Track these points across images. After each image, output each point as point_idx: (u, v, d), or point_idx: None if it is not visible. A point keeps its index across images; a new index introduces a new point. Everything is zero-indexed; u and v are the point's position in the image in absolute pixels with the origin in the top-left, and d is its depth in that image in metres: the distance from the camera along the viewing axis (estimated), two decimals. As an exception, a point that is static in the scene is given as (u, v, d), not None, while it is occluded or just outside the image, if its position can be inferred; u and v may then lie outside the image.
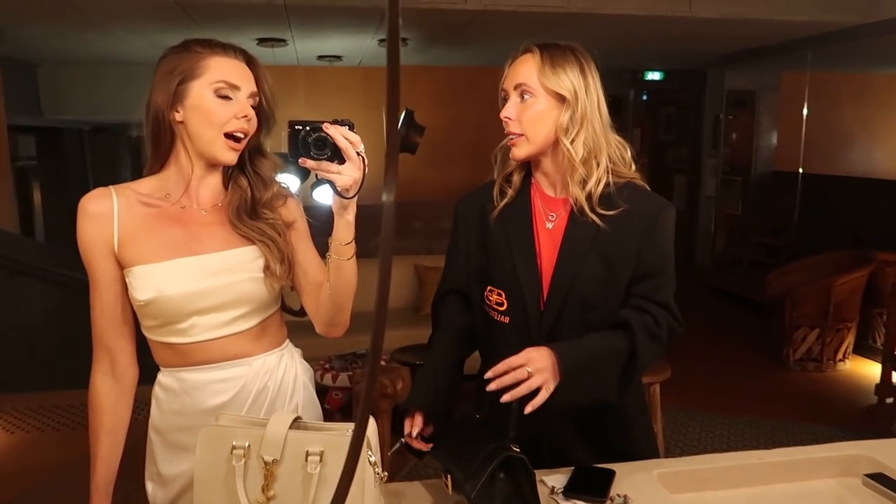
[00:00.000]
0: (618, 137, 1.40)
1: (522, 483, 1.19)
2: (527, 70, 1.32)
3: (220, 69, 1.23)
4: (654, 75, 7.51)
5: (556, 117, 1.32)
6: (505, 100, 1.36)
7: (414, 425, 1.34)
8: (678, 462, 1.48)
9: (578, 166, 1.32)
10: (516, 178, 1.41)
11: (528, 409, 1.21)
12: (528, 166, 1.43)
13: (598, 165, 1.34)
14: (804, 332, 4.73)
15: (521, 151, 1.35)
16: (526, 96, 1.32)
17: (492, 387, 1.21)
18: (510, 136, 1.35)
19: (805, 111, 6.31)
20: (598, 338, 1.32)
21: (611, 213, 1.32)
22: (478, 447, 1.19)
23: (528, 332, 1.36)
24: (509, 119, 1.33)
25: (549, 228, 1.39)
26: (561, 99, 1.32)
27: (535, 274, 1.37)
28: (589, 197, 1.33)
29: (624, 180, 1.37)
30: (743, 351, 5.19)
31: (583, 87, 1.32)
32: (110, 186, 1.28)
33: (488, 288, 1.42)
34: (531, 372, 1.21)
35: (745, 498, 1.37)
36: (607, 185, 1.34)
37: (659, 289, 1.36)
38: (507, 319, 1.40)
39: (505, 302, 1.39)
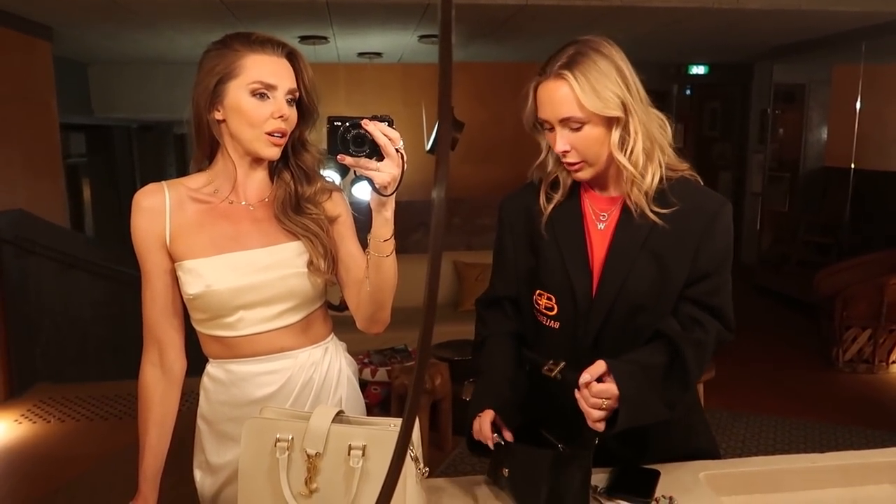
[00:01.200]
0: (659, 115, 1.31)
1: (570, 478, 1.17)
2: (567, 101, 1.22)
3: (257, 68, 1.24)
4: (698, 69, 7.36)
5: (610, 134, 1.25)
6: (546, 128, 1.28)
7: (483, 423, 1.30)
8: (725, 464, 1.44)
9: (637, 176, 1.26)
10: (564, 179, 1.35)
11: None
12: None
13: (652, 161, 1.27)
14: (855, 333, 4.58)
15: (585, 174, 1.29)
16: (575, 125, 1.24)
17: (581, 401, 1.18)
18: (569, 164, 1.28)
19: (858, 105, 6.10)
20: (650, 361, 1.24)
21: (665, 211, 1.26)
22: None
23: (578, 337, 1.32)
24: (566, 152, 1.25)
25: (600, 229, 1.34)
26: (611, 118, 1.24)
27: (588, 279, 1.32)
28: (645, 195, 1.27)
29: (677, 175, 1.31)
30: (790, 352, 5.05)
31: (626, 91, 1.23)
32: (163, 182, 1.31)
33: (537, 292, 1.37)
34: (605, 408, 1.17)
35: (796, 502, 1.33)
36: (661, 180, 1.28)
37: (715, 291, 1.29)
38: (556, 325, 1.35)
39: (555, 307, 1.35)
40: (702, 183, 1.35)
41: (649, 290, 1.29)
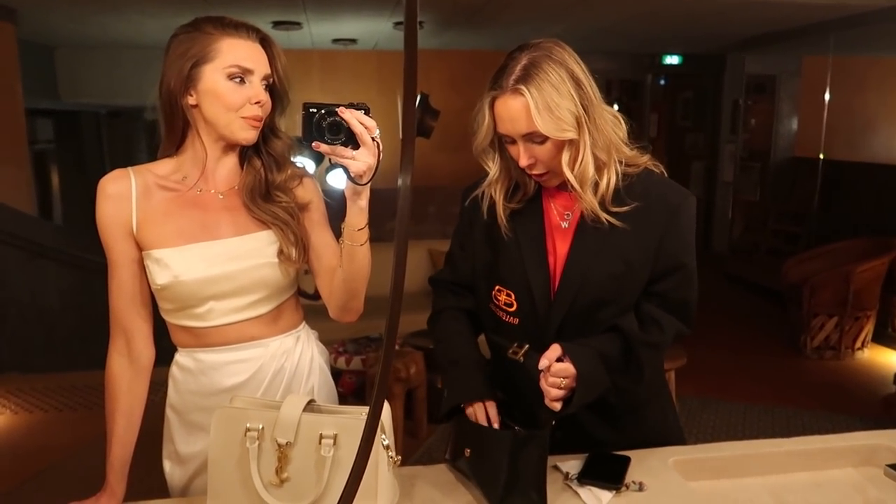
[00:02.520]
0: (612, 112, 1.30)
1: (531, 462, 1.19)
2: (526, 117, 1.19)
3: (233, 52, 1.21)
4: (672, 59, 7.41)
5: (563, 151, 1.23)
6: (507, 142, 1.26)
7: (492, 416, 1.31)
8: (694, 450, 1.46)
9: (583, 192, 1.25)
10: (527, 183, 1.33)
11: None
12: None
13: (608, 166, 1.26)
14: (822, 321, 4.68)
15: (554, 182, 1.29)
16: (538, 139, 1.22)
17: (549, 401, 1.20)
18: (537, 175, 1.27)
19: (827, 96, 6.20)
20: (603, 345, 1.27)
21: (623, 209, 1.25)
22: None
23: (538, 332, 1.32)
24: (534, 163, 1.24)
25: (564, 228, 1.33)
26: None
27: (546, 278, 1.32)
28: (602, 201, 1.26)
29: (639, 169, 1.30)
30: (759, 339, 5.15)
31: (579, 103, 1.21)
32: (129, 168, 1.28)
33: (497, 287, 1.37)
34: (563, 388, 1.20)
35: (762, 486, 1.35)
36: (618, 180, 1.27)
37: (679, 286, 1.30)
38: (516, 321, 1.35)
39: (514, 303, 1.35)
40: (665, 174, 1.34)
41: (611, 286, 1.29)
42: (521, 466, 1.18)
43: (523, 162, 1.23)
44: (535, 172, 1.26)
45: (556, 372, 1.19)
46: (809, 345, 4.72)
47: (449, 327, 1.45)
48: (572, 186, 1.25)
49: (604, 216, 1.26)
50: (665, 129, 8.72)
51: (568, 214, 1.33)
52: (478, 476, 1.24)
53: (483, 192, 1.37)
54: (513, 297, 1.35)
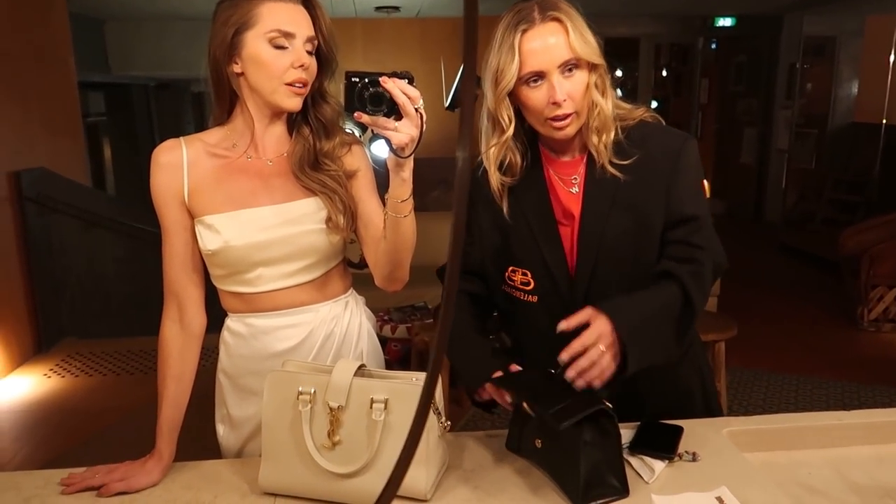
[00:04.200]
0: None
1: (609, 445, 1.12)
2: (562, 44, 1.19)
3: (274, 17, 1.20)
4: (725, 21, 7.13)
5: (590, 80, 1.23)
6: (532, 84, 1.22)
7: (499, 396, 1.27)
8: (748, 421, 1.42)
9: (611, 123, 1.24)
10: (515, 160, 1.30)
11: (599, 383, 1.14)
12: (527, 144, 1.33)
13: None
14: (881, 292, 4.51)
15: (573, 129, 1.25)
16: (570, 71, 1.21)
17: (570, 374, 1.12)
18: (558, 118, 1.22)
19: (891, 58, 5.89)
20: (647, 294, 1.22)
21: (625, 162, 1.25)
22: (565, 390, 1.12)
23: (561, 308, 1.26)
24: (565, 100, 1.20)
25: (574, 193, 1.31)
26: (591, 63, 1.23)
27: (560, 251, 1.30)
28: (605, 147, 1.25)
29: (635, 121, 1.29)
30: (813, 310, 5.00)
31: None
32: (180, 138, 1.30)
33: (510, 268, 1.35)
34: (604, 350, 1.12)
35: (821, 459, 1.31)
36: (618, 133, 1.26)
37: (695, 230, 1.26)
38: (534, 299, 1.33)
39: (532, 281, 1.32)
40: (662, 122, 1.33)
41: (628, 242, 1.28)
42: (598, 454, 1.12)
43: (559, 95, 1.20)
44: (564, 111, 1.22)
45: (583, 342, 1.12)
46: (867, 317, 4.56)
47: (457, 318, 1.36)
48: (602, 110, 1.24)
49: (610, 169, 1.25)
50: (716, 95, 8.44)
51: (575, 178, 1.31)
52: (551, 467, 1.18)
53: (483, 170, 1.32)
54: (529, 275, 1.32)
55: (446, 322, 0.58)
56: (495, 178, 1.30)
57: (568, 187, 1.31)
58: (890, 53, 5.90)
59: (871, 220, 5.09)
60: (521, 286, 1.34)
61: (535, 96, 1.22)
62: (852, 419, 1.38)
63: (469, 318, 1.39)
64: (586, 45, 1.20)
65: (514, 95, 1.25)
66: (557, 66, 1.20)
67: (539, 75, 1.21)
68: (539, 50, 1.20)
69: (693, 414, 1.39)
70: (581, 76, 1.22)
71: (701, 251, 1.26)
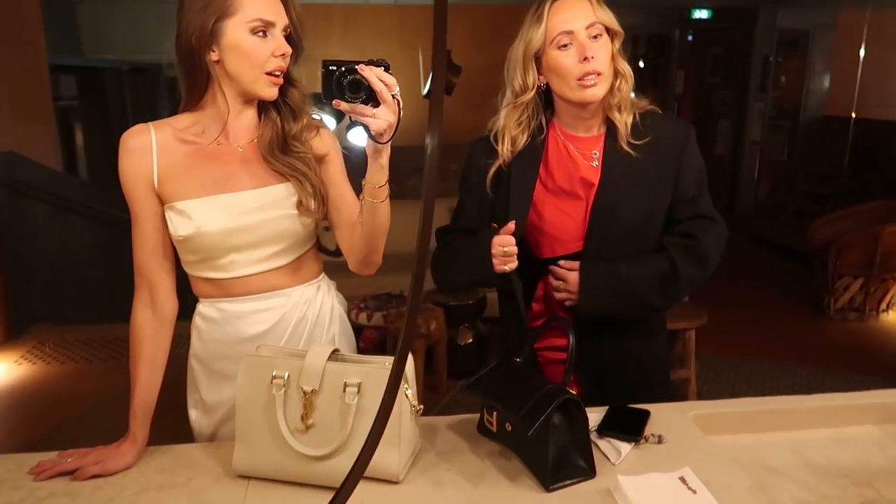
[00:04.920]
0: None
1: (577, 428, 1.16)
2: (588, 11, 1.36)
3: (254, 5, 1.20)
4: (701, 13, 7.19)
5: (613, 46, 1.40)
6: (560, 46, 1.36)
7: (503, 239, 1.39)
8: (714, 405, 1.47)
9: (630, 103, 1.42)
10: (516, 136, 1.45)
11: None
12: (540, 120, 1.47)
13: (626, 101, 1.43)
14: (847, 282, 4.62)
15: (602, 89, 1.38)
16: (597, 36, 1.36)
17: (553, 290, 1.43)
18: (589, 76, 1.35)
19: (862, 52, 6.00)
20: (633, 262, 1.43)
21: (641, 142, 1.41)
22: (529, 388, 1.18)
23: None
24: (594, 58, 1.34)
25: (595, 166, 1.45)
26: (609, 30, 1.39)
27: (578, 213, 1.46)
28: (625, 124, 1.41)
29: (643, 109, 1.45)
30: (783, 299, 5.11)
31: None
32: (149, 123, 1.29)
33: (492, 224, 1.46)
34: (571, 293, 1.41)
35: (783, 442, 1.36)
36: (635, 116, 1.43)
37: (701, 203, 1.46)
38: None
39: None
40: (662, 113, 1.50)
41: (638, 212, 1.43)
42: (565, 437, 1.15)
43: (589, 51, 1.34)
44: (594, 68, 1.35)
45: (497, 240, 1.38)
46: (833, 306, 4.67)
47: (445, 246, 1.55)
48: (625, 74, 1.40)
49: (626, 148, 1.41)
50: (692, 86, 8.52)
51: (595, 153, 1.46)
52: (521, 450, 1.21)
53: (492, 137, 1.48)
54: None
55: (415, 304, 0.60)
56: (508, 145, 1.44)
57: (588, 161, 1.45)
58: (861, 47, 6.00)
59: (839, 212, 5.20)
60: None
61: (566, 57, 1.36)
62: (812, 403, 1.43)
63: (462, 241, 1.52)
64: (607, 14, 1.38)
65: (543, 65, 1.40)
66: (585, 28, 1.35)
67: (568, 35, 1.35)
68: (567, 14, 1.36)
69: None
70: (605, 41, 1.37)
71: (702, 221, 1.45)
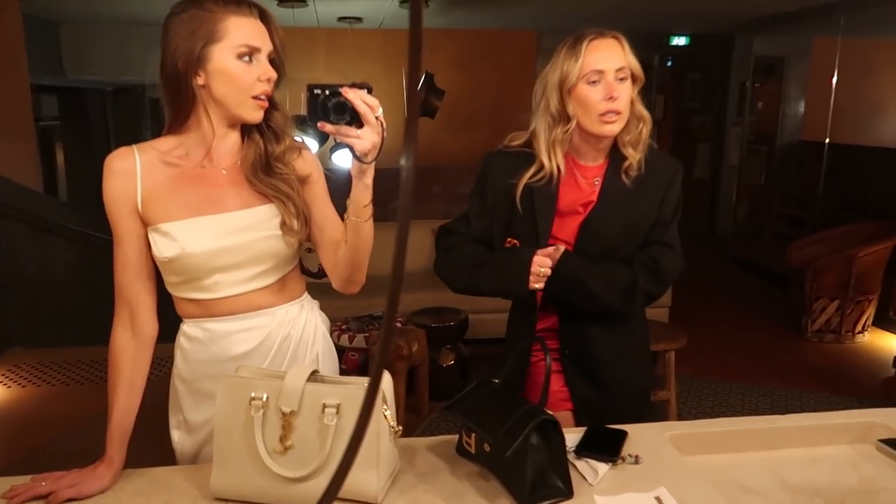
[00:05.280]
0: None
1: (554, 448, 1.18)
2: (619, 55, 1.50)
3: (241, 31, 1.22)
4: (679, 40, 7.34)
5: (633, 91, 1.54)
6: (590, 82, 1.50)
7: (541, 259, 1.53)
8: (690, 425, 1.49)
9: (647, 135, 1.56)
10: (553, 163, 1.57)
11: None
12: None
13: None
14: (824, 304, 4.68)
15: (618, 126, 1.52)
16: (623, 79, 1.50)
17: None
18: (611, 114, 1.49)
19: (835, 78, 6.15)
20: (605, 264, 1.56)
21: (637, 174, 1.56)
22: (508, 409, 1.19)
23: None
24: (618, 98, 1.48)
25: (596, 184, 1.60)
26: (634, 76, 1.54)
27: (547, 235, 1.59)
28: (635, 162, 1.56)
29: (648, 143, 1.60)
30: (761, 321, 5.16)
31: None
32: (133, 146, 1.30)
33: (508, 239, 1.61)
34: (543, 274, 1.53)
35: (758, 461, 1.38)
36: (644, 152, 1.57)
37: (667, 232, 1.60)
38: None
39: None
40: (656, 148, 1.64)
41: (622, 234, 1.57)
42: (543, 457, 1.16)
43: (616, 92, 1.48)
44: (616, 107, 1.49)
45: (537, 260, 1.52)
46: (810, 328, 4.73)
47: (467, 248, 1.65)
48: (642, 115, 1.54)
49: (624, 179, 1.56)
50: (672, 110, 8.66)
51: (597, 180, 1.60)
52: (499, 470, 1.22)
53: (500, 153, 1.63)
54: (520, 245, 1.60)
55: (390, 322, 0.61)
56: (559, 157, 1.56)
57: (590, 186, 1.60)
58: (834, 74, 6.15)
59: (815, 235, 5.29)
60: None
61: (594, 92, 1.50)
62: (786, 423, 1.45)
63: (482, 249, 1.65)
64: (634, 60, 1.53)
65: (571, 95, 1.52)
66: (615, 70, 1.49)
67: (599, 74, 1.49)
68: (601, 54, 1.50)
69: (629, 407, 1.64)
70: (628, 84, 1.52)
71: (664, 248, 1.59)
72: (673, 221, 1.61)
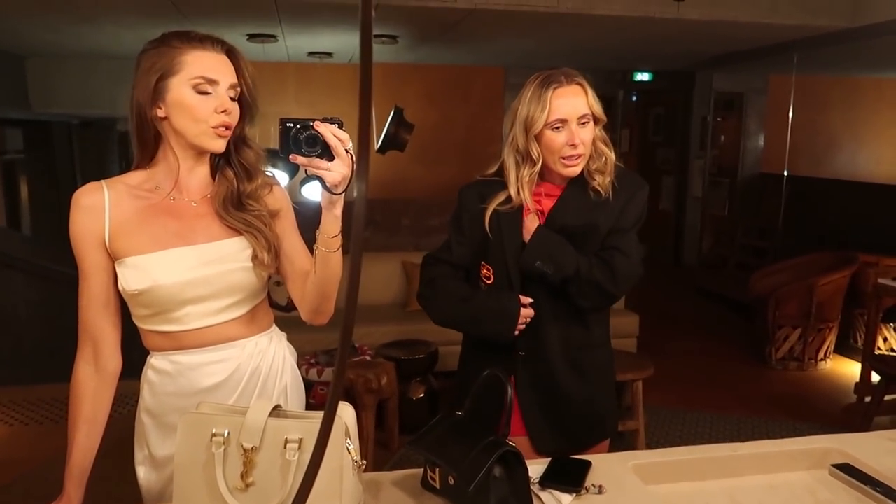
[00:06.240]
0: None
1: (517, 479, 1.19)
2: (583, 101, 1.60)
3: (198, 64, 1.25)
4: (642, 76, 7.55)
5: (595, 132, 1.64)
6: (554, 128, 1.59)
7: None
8: (653, 454, 1.50)
9: (612, 167, 1.65)
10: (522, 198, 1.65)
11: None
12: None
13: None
14: (787, 332, 4.78)
15: (579, 168, 1.63)
16: (585, 123, 1.60)
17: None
18: (573, 158, 1.60)
19: (791, 114, 6.37)
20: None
21: (604, 190, 1.65)
22: (470, 441, 1.21)
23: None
24: (580, 144, 1.58)
25: (552, 197, 1.68)
26: (596, 118, 1.63)
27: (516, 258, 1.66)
28: (602, 185, 1.64)
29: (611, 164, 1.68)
30: (727, 350, 5.24)
31: None
32: (102, 181, 1.31)
33: (482, 263, 1.70)
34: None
35: (719, 489, 1.40)
36: (611, 176, 1.66)
37: (624, 239, 1.66)
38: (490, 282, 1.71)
39: (492, 276, 1.70)
40: (624, 168, 1.73)
41: (577, 239, 1.64)
42: (505, 488, 1.18)
43: (578, 139, 1.58)
44: (577, 152, 1.60)
45: (524, 312, 1.62)
46: (774, 356, 4.82)
47: (450, 283, 1.73)
48: (606, 154, 1.65)
49: (590, 192, 1.65)
50: (637, 144, 8.87)
51: (562, 189, 1.68)
52: (463, 502, 1.22)
53: (478, 184, 1.72)
54: (491, 271, 1.69)
55: (344, 354, 0.63)
56: (529, 199, 1.65)
57: (555, 193, 1.68)
58: (790, 110, 6.37)
59: (777, 265, 5.42)
60: (484, 279, 1.71)
61: (557, 139, 1.60)
62: (746, 450, 1.48)
63: (466, 286, 1.73)
64: (597, 104, 1.62)
65: (538, 140, 1.61)
66: (577, 117, 1.59)
67: (562, 122, 1.59)
68: (565, 103, 1.58)
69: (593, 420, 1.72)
70: (591, 127, 1.62)
71: (618, 253, 1.64)
72: (631, 230, 1.67)
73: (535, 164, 1.63)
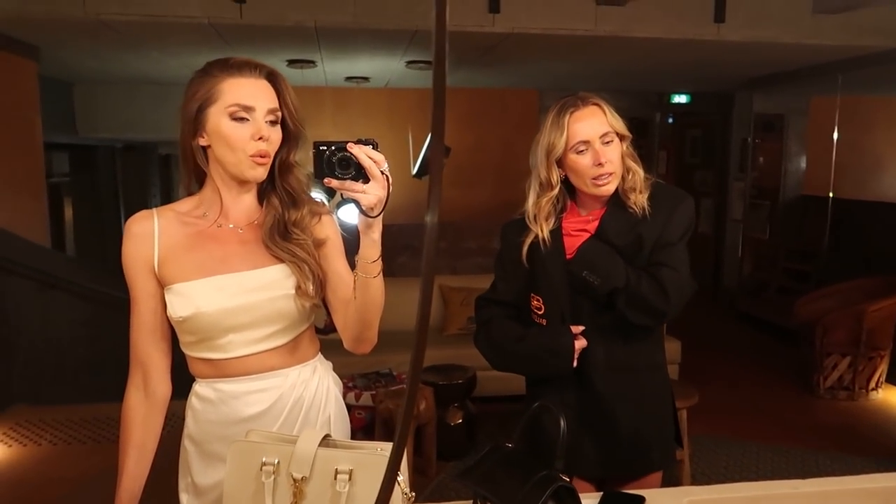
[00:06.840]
0: None
1: None
2: (602, 121, 1.60)
3: (234, 91, 1.25)
4: (680, 98, 7.48)
5: (622, 148, 1.64)
6: (578, 152, 1.60)
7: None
8: (708, 490, 1.45)
9: (645, 184, 1.63)
10: (543, 224, 1.65)
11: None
12: (564, 203, 1.70)
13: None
14: (835, 360, 4.62)
15: (613, 186, 1.62)
16: (609, 142, 1.60)
17: None
18: (602, 177, 1.59)
19: (835, 135, 6.23)
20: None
21: (645, 206, 1.62)
22: (521, 475, 1.18)
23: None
24: (607, 162, 1.58)
25: (592, 221, 1.67)
26: (620, 135, 1.63)
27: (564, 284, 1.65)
28: (639, 203, 1.63)
29: (651, 180, 1.68)
30: (771, 378, 5.09)
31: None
32: (153, 209, 1.33)
33: (532, 295, 1.69)
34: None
35: (779, 528, 1.33)
36: (646, 191, 1.64)
37: (671, 255, 1.62)
38: (544, 322, 1.67)
39: (542, 307, 1.67)
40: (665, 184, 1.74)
41: (630, 244, 1.61)
42: None
43: (603, 157, 1.57)
44: (606, 171, 1.59)
45: (578, 345, 1.62)
46: (822, 385, 4.66)
47: (504, 325, 1.72)
48: (635, 171, 1.63)
49: (642, 207, 1.63)
50: (674, 166, 8.76)
51: (591, 217, 1.68)
52: None
53: (517, 221, 1.71)
54: (541, 300, 1.67)
55: (413, 392, 0.60)
56: (545, 226, 1.64)
57: (596, 215, 1.66)
58: (834, 131, 6.23)
59: (822, 290, 5.26)
60: (535, 310, 1.70)
61: (582, 161, 1.60)
62: (807, 488, 1.42)
63: (517, 326, 1.71)
64: (617, 121, 1.63)
65: (563, 165, 1.63)
66: (599, 137, 1.59)
67: (585, 143, 1.59)
68: (585, 125, 1.59)
69: (650, 440, 1.69)
70: (616, 144, 1.61)
71: (667, 269, 1.59)
72: (678, 243, 1.64)
73: (552, 188, 1.63)
